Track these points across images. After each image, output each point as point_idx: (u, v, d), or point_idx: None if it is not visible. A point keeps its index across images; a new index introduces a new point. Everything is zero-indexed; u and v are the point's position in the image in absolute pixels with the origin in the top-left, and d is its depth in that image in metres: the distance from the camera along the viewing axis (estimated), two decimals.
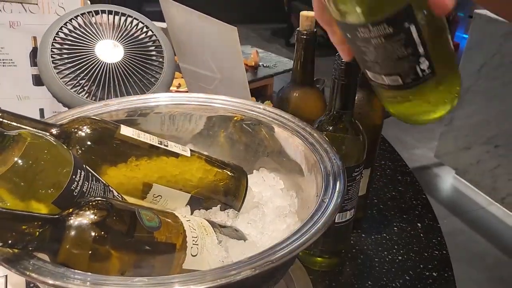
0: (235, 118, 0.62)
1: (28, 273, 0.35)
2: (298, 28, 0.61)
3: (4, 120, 0.47)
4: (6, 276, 0.63)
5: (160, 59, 0.70)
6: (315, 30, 0.62)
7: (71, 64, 0.64)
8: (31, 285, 0.62)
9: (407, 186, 0.87)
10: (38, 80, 0.77)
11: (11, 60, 0.77)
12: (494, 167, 2.21)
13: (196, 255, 0.46)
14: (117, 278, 0.36)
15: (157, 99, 0.62)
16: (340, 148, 0.57)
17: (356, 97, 0.66)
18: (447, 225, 2.17)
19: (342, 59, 0.53)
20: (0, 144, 0.40)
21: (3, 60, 0.77)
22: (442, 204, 2.34)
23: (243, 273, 0.35)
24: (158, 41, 0.71)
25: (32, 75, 0.78)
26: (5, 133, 0.40)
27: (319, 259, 0.65)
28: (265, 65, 1.23)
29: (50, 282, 0.35)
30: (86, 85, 0.65)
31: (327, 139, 0.54)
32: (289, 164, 0.59)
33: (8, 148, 0.40)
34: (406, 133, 2.90)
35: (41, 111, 0.79)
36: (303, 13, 0.61)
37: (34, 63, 0.78)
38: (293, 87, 0.65)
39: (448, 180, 2.53)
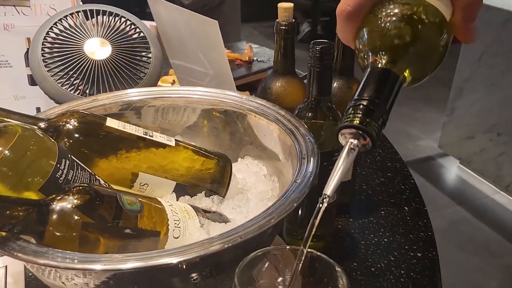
0: (219, 108, 0.65)
1: (15, 253, 0.38)
2: (277, 20, 0.64)
3: None
4: (6, 266, 0.66)
5: (148, 55, 0.73)
6: (293, 21, 0.64)
7: (61, 62, 0.67)
8: (30, 274, 0.65)
9: (396, 172, 0.88)
10: (33, 80, 0.80)
11: (7, 61, 0.81)
12: (498, 155, 2.21)
13: (178, 237, 0.48)
14: (102, 255, 0.38)
15: (142, 93, 0.64)
16: (319, 134, 0.59)
17: (336, 84, 0.69)
18: (452, 215, 2.17)
19: (317, 47, 0.55)
20: None
21: None
22: (447, 194, 2.35)
23: (212, 247, 0.38)
24: (145, 37, 0.73)
25: (27, 75, 0.81)
26: None
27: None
28: (259, 59, 1.25)
29: (41, 261, 0.37)
30: (76, 83, 0.68)
31: (305, 125, 0.56)
32: (271, 150, 0.61)
33: None
34: (410, 125, 2.90)
35: (38, 109, 0.82)
36: (281, 4, 0.63)
37: (29, 63, 0.81)
38: (274, 77, 0.67)
39: (452, 170, 2.53)
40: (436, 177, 2.48)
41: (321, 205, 0.35)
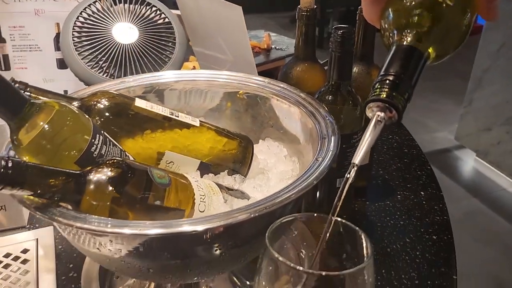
0: (242, 91, 0.67)
1: (56, 217, 0.40)
2: (298, 6, 0.65)
3: (31, 94, 0.53)
4: (37, 239, 0.69)
5: (172, 40, 0.75)
6: (314, 7, 0.66)
7: (90, 46, 0.70)
8: (60, 247, 0.68)
9: (412, 158, 0.90)
10: (62, 64, 0.83)
11: (37, 45, 0.84)
12: None
13: (203, 211, 0.51)
14: (132, 222, 0.41)
15: (167, 76, 0.67)
16: (338, 117, 0.61)
17: (356, 70, 0.70)
18: (467, 207, 2.17)
19: (338, 32, 0.57)
20: (28, 111, 0.45)
21: (29, 45, 0.83)
22: (463, 186, 2.34)
23: (239, 217, 0.40)
24: (170, 23, 0.76)
25: (56, 59, 0.85)
26: (32, 101, 0.46)
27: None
28: (277, 47, 1.27)
29: (78, 225, 0.40)
30: (105, 65, 0.70)
31: (325, 107, 0.58)
32: (291, 133, 0.63)
33: (35, 115, 0.46)
34: (427, 117, 2.89)
35: (65, 92, 0.85)
36: None
37: (58, 47, 0.84)
38: (295, 62, 0.69)
39: (469, 162, 2.52)
40: (453, 169, 2.47)
41: (348, 174, 0.37)
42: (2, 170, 0.38)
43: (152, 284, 0.61)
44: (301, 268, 0.33)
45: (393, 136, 0.97)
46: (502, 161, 2.30)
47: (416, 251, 0.67)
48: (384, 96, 0.35)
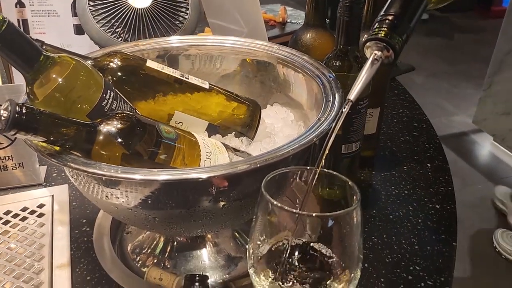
0: (251, 57, 0.68)
1: (68, 163, 0.43)
2: None
3: (47, 52, 0.55)
4: (53, 195, 0.72)
5: (185, 5, 0.76)
6: None
7: (104, 10, 0.72)
8: (74, 204, 0.71)
9: (421, 132, 0.90)
10: (78, 29, 0.85)
11: (55, 11, 0.86)
12: None
13: None
14: (141, 169, 0.43)
15: (180, 40, 0.68)
16: (345, 82, 0.62)
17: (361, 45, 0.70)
18: (482, 191, 2.15)
19: None
20: (43, 64, 0.47)
21: (48, 11, 0.86)
22: (478, 170, 2.32)
23: (241, 167, 0.42)
24: None
25: (73, 25, 0.87)
26: (47, 54, 0.48)
27: (327, 189, 0.70)
28: (293, 21, 1.27)
29: (90, 170, 0.42)
30: (119, 30, 0.72)
31: (332, 72, 0.59)
32: (298, 97, 0.64)
33: (50, 68, 0.48)
34: (446, 100, 2.86)
35: None
36: None
37: (75, 13, 0.86)
38: (305, 29, 0.70)
39: (485, 147, 2.49)
40: (469, 152, 2.45)
41: (344, 109, 0.38)
42: (16, 115, 0.40)
43: (162, 240, 0.63)
44: (293, 210, 0.35)
45: (404, 110, 0.97)
46: None
47: (418, 218, 0.68)
48: (382, 35, 0.36)
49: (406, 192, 0.74)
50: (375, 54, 0.37)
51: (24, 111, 0.41)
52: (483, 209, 2.01)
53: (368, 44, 0.37)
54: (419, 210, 0.70)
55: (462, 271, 1.69)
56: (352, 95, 0.38)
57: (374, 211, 0.70)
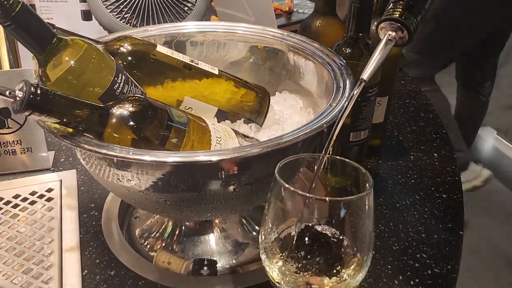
0: (260, 44, 0.68)
1: (81, 144, 0.43)
2: None
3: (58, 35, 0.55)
4: (61, 180, 0.73)
5: None
6: None
7: None
8: (82, 188, 0.72)
9: (428, 122, 0.90)
10: (86, 15, 0.85)
11: None
12: None
13: None
14: (152, 151, 0.43)
15: (188, 26, 0.68)
16: (355, 70, 0.61)
17: (375, 25, 0.70)
18: None
19: None
20: (56, 46, 0.47)
21: None
22: (481, 163, 2.32)
23: (252, 150, 0.42)
24: None
25: (81, 10, 0.87)
26: (59, 36, 0.48)
27: (334, 178, 0.70)
28: (299, 10, 1.26)
29: (103, 151, 0.42)
30: (127, 15, 0.72)
31: (342, 58, 0.59)
32: (308, 84, 0.64)
33: (62, 50, 0.48)
34: (449, 93, 2.84)
35: None
36: None
37: None
38: (315, 16, 0.70)
39: (489, 141, 2.48)
40: (472, 146, 2.44)
41: (356, 90, 0.38)
42: (31, 96, 0.40)
43: (170, 224, 0.64)
44: (307, 194, 0.35)
45: (410, 101, 0.97)
46: None
47: (425, 207, 0.68)
48: (397, 15, 0.36)
49: (412, 181, 0.74)
50: (389, 34, 0.37)
51: (39, 92, 0.41)
52: (484, 202, 2.01)
53: (382, 25, 0.37)
54: (426, 199, 0.70)
55: (462, 263, 1.70)
56: (366, 74, 0.38)
57: (381, 199, 0.70)
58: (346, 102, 0.38)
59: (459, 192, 0.72)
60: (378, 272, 0.58)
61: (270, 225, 0.40)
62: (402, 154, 0.80)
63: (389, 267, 0.58)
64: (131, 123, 0.47)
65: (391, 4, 0.36)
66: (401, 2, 0.36)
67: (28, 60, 0.84)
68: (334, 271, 0.39)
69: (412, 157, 0.80)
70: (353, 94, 0.38)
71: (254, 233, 0.63)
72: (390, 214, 0.67)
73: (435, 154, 0.80)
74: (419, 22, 0.36)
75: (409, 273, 0.57)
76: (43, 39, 0.46)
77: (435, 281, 0.56)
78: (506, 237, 1.86)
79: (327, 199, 0.35)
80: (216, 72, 0.63)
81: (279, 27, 1.15)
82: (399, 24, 0.36)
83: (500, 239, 1.85)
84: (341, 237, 0.40)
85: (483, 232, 1.85)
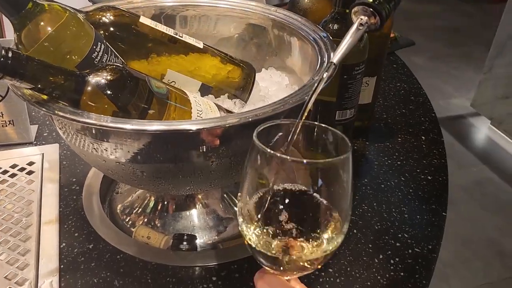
0: (247, 19, 0.67)
1: (56, 111, 0.42)
2: None
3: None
4: (43, 154, 0.72)
5: None
6: None
7: None
8: (65, 163, 0.71)
9: (418, 105, 0.89)
10: None
11: None
12: None
13: None
14: (132, 119, 0.42)
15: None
16: None
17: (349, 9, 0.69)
18: (477, 174, 2.16)
19: None
20: (32, 11, 0.46)
21: None
22: (474, 153, 2.32)
23: (230, 120, 0.41)
24: None
25: None
26: (36, 1, 0.47)
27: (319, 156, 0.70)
28: None
29: (79, 119, 0.41)
30: None
31: (329, 34, 0.58)
32: (294, 61, 0.63)
33: (38, 16, 0.47)
34: (445, 82, 2.84)
35: None
36: None
37: None
38: None
39: (482, 130, 2.48)
40: (465, 135, 2.44)
41: (326, 73, 0.37)
42: (2, 59, 0.39)
43: (152, 200, 0.63)
44: (284, 156, 0.34)
45: (401, 84, 0.96)
46: None
47: (410, 188, 0.68)
48: (371, 0, 0.35)
49: (399, 163, 0.74)
50: (361, 19, 0.37)
51: (10, 55, 0.40)
52: (476, 192, 2.02)
53: (355, 8, 0.37)
54: (411, 181, 0.70)
55: (453, 253, 1.71)
56: (336, 58, 0.38)
57: (365, 180, 0.69)
58: (316, 85, 0.37)
59: (444, 175, 0.71)
60: (358, 251, 0.57)
61: (248, 190, 0.39)
62: (389, 136, 0.80)
63: (370, 245, 0.58)
64: (108, 91, 0.45)
65: None
66: None
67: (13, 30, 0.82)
68: (312, 234, 0.38)
69: (399, 139, 0.79)
70: (323, 77, 0.38)
71: (236, 209, 0.62)
72: (374, 195, 0.67)
73: (423, 137, 0.80)
74: (392, 8, 0.36)
75: (389, 252, 0.57)
76: (17, 1, 0.45)
77: (414, 260, 0.56)
78: (498, 228, 1.87)
79: (305, 161, 0.35)
80: (201, 46, 0.62)
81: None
82: (371, 9, 0.36)
83: (492, 230, 1.85)
84: (319, 201, 0.39)
85: (475, 223, 1.86)
